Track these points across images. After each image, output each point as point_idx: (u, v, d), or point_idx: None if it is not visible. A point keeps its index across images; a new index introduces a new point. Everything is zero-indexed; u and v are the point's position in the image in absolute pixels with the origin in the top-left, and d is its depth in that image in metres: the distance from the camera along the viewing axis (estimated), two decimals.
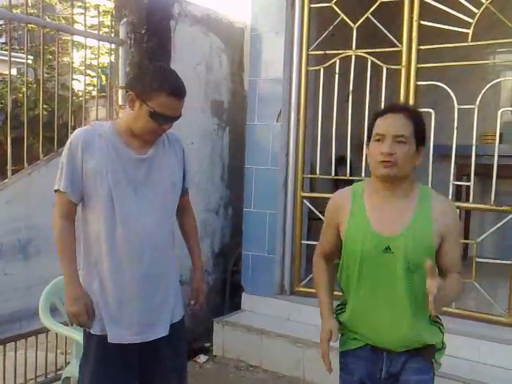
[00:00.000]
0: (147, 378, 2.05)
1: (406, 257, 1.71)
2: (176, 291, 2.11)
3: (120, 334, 1.96)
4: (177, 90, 1.88)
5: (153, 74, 1.89)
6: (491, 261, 3.49)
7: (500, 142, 3.49)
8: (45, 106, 3.47)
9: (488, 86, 3.36)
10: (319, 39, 3.87)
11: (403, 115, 1.71)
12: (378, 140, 1.70)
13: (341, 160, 4.09)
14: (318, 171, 3.93)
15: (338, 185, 4.79)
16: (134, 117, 1.91)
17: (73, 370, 2.65)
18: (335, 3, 3.74)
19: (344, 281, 1.87)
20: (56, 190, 1.96)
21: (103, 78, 4.75)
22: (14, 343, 3.08)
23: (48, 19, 5.76)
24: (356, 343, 1.87)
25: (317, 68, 3.87)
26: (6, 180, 3.02)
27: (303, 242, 3.99)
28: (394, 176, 1.71)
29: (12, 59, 3.12)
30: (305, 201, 3.94)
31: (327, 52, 3.82)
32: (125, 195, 1.92)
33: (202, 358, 3.81)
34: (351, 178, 3.71)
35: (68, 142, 1.94)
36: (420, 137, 1.74)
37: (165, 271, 2.03)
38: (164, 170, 2.00)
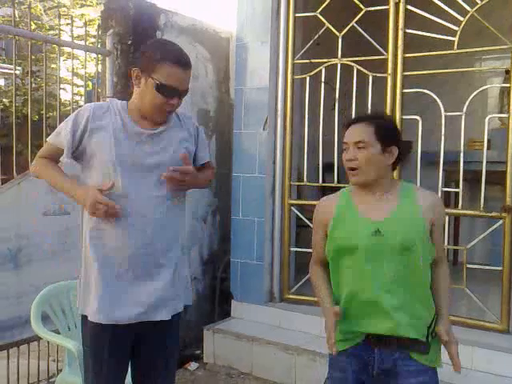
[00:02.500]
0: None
1: (398, 237, 1.77)
2: (181, 280, 2.01)
3: (114, 315, 1.88)
4: (181, 59, 1.86)
5: (155, 47, 1.89)
6: (482, 267, 3.48)
7: (488, 148, 3.50)
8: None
9: (475, 94, 3.36)
10: (304, 48, 3.88)
11: (364, 123, 1.82)
12: (345, 149, 1.84)
13: (328, 167, 4.08)
14: (305, 178, 3.92)
15: (325, 192, 4.78)
16: (140, 94, 1.88)
17: (66, 377, 2.67)
18: (320, 12, 3.76)
19: (334, 277, 1.91)
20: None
21: (90, 84, 4.74)
22: (6, 351, 3.11)
23: (34, 27, 5.77)
24: (346, 343, 1.87)
25: (302, 76, 3.88)
26: None
27: (292, 249, 3.97)
28: (363, 182, 1.83)
29: (0, 70, 3.12)
30: (293, 208, 3.93)
31: (312, 61, 3.83)
32: (129, 170, 1.87)
33: (193, 366, 3.79)
34: (339, 185, 3.69)
35: (77, 110, 1.92)
36: (386, 137, 1.81)
37: (170, 250, 1.94)
38: (174, 145, 1.94)
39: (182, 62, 1.86)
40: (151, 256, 1.91)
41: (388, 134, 1.83)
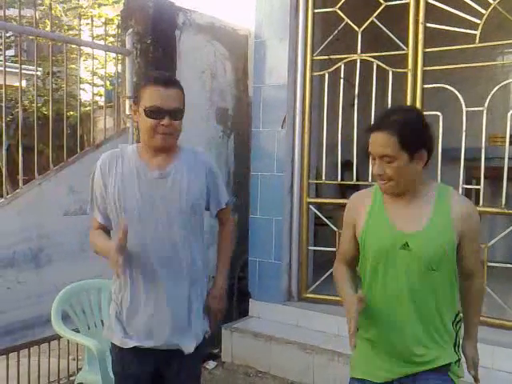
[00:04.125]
0: None
1: (425, 254, 1.70)
2: (196, 312, 2.04)
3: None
4: (161, 78, 1.85)
5: (143, 80, 1.93)
6: (503, 265, 3.42)
7: (510, 144, 3.43)
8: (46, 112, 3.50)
9: (497, 88, 3.31)
10: (323, 44, 3.85)
11: (386, 132, 1.68)
12: (374, 159, 1.73)
13: (347, 165, 4.05)
14: (323, 176, 3.89)
15: (343, 190, 4.75)
16: (140, 126, 1.89)
17: (85, 376, 2.71)
18: (339, 8, 3.72)
19: (361, 278, 1.87)
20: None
21: (108, 84, 4.78)
22: (27, 350, 3.17)
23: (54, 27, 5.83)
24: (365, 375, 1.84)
25: (321, 73, 3.85)
26: (18, 190, 3.10)
27: (310, 247, 3.96)
28: (393, 192, 1.75)
29: (22, 71, 3.17)
30: (311, 206, 3.90)
31: (332, 57, 3.80)
32: (141, 217, 1.88)
33: (211, 364, 3.80)
34: (357, 183, 3.67)
35: (92, 175, 1.96)
36: (412, 144, 1.68)
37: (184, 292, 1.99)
38: (183, 191, 1.92)
39: (161, 80, 1.84)
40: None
41: (414, 140, 1.69)
